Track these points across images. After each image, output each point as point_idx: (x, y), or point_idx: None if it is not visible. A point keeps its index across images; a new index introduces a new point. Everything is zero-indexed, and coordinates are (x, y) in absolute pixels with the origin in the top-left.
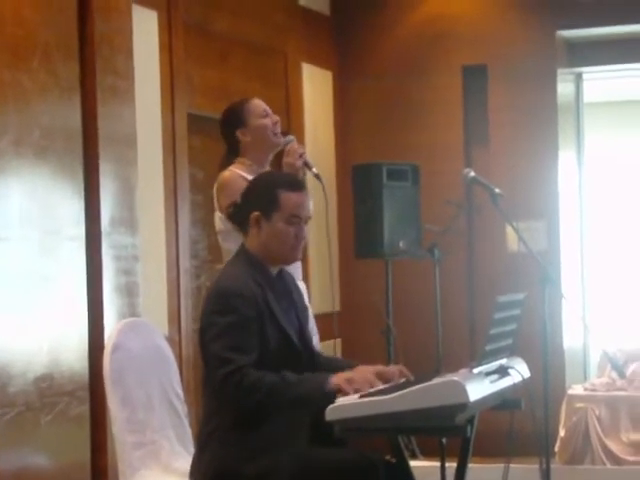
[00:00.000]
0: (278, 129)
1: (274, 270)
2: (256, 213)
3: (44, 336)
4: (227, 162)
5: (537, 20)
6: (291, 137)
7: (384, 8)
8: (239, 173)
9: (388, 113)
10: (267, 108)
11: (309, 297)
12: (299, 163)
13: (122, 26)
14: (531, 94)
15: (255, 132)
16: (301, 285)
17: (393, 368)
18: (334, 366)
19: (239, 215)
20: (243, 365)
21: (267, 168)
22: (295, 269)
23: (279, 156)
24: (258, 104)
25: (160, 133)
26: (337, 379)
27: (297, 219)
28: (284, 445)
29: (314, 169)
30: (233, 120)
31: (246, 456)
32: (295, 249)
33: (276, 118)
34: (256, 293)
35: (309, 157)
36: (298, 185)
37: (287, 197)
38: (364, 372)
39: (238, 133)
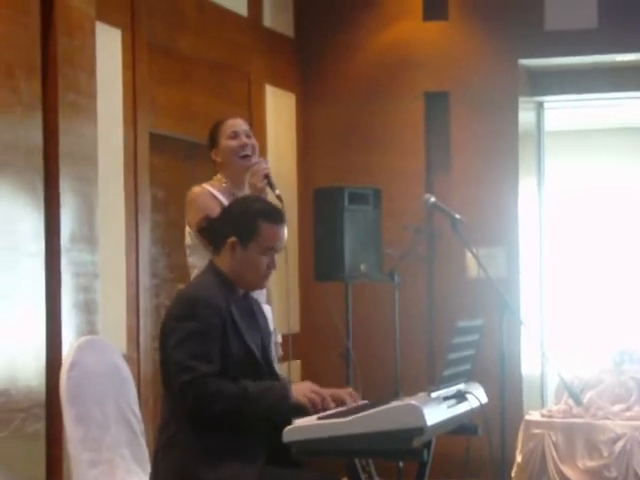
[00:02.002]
0: (245, 151)
1: (240, 292)
2: (233, 239)
3: (0, 352)
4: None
5: (499, 48)
6: (261, 160)
7: (348, 32)
8: (208, 190)
9: (351, 137)
10: (239, 129)
11: (274, 320)
12: (261, 185)
13: (85, 44)
14: (493, 122)
15: (222, 153)
16: (267, 308)
17: (343, 391)
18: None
19: (214, 234)
20: (204, 374)
21: (244, 188)
22: (259, 293)
23: None
24: (230, 125)
25: (122, 151)
26: (297, 393)
27: (272, 251)
28: (243, 456)
29: (277, 191)
30: (210, 140)
31: (205, 462)
32: (265, 278)
33: (244, 141)
34: (222, 305)
35: (273, 178)
36: (279, 218)
37: (267, 229)
38: (318, 390)
39: (212, 153)
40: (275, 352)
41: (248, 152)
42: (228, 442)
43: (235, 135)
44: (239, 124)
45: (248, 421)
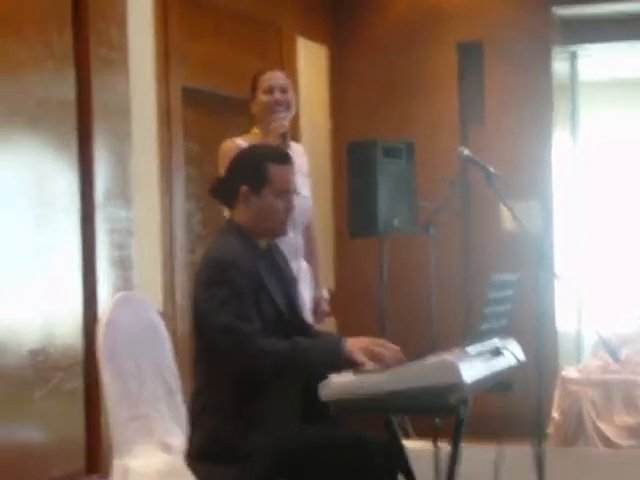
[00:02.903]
0: (278, 108)
1: (263, 243)
2: (244, 188)
3: (38, 309)
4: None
5: None
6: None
7: None
8: (238, 143)
9: (383, 89)
10: (275, 84)
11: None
12: (276, 143)
13: None
14: (526, 72)
15: (257, 106)
16: (303, 265)
17: (390, 352)
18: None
19: (225, 189)
20: (251, 331)
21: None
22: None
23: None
24: (267, 78)
25: (155, 106)
26: (353, 347)
27: (286, 193)
28: (279, 420)
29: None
30: (251, 90)
31: (240, 430)
32: (284, 222)
33: (277, 97)
34: (249, 266)
35: (289, 138)
36: (286, 158)
37: (276, 171)
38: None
39: (250, 104)
40: (322, 308)
41: (280, 109)
42: (263, 409)
43: (270, 89)
44: (276, 78)
45: (296, 378)
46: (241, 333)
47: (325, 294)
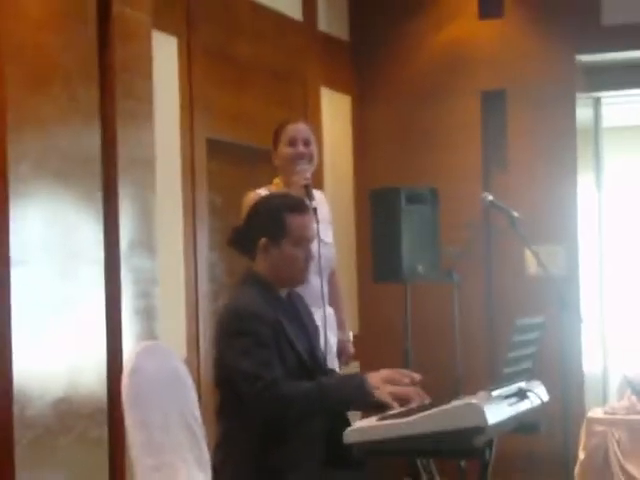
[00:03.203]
0: (301, 161)
1: (283, 292)
2: (263, 240)
3: (63, 358)
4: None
5: (555, 44)
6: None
7: (403, 33)
8: (261, 195)
9: (407, 137)
10: (298, 136)
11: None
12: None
13: (142, 51)
14: (550, 118)
15: (280, 159)
16: (329, 311)
17: (410, 389)
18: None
19: (243, 240)
20: (275, 378)
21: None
22: (311, 297)
23: None
24: (290, 130)
25: (179, 158)
26: (375, 384)
27: (305, 241)
28: (303, 467)
29: (313, 203)
30: (273, 142)
31: (266, 475)
32: (304, 271)
33: (300, 150)
34: (271, 316)
35: (311, 190)
36: (302, 207)
37: (294, 221)
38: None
39: (272, 155)
40: (348, 350)
41: (303, 162)
42: (287, 455)
43: (293, 142)
44: (299, 130)
45: (322, 420)
46: (265, 380)
47: (350, 337)
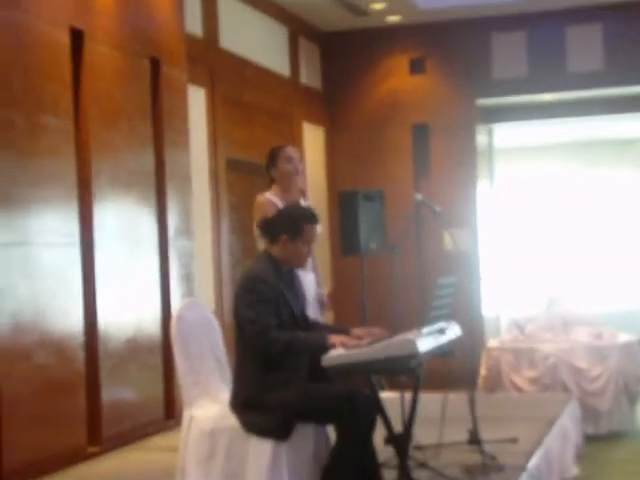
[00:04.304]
0: (297, 174)
1: (285, 268)
2: (284, 236)
3: (131, 311)
4: (268, 186)
5: (462, 92)
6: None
7: (359, 83)
8: (269, 198)
9: (362, 155)
10: (294, 156)
11: (322, 280)
12: (297, 198)
13: (180, 99)
14: (459, 143)
15: (280, 173)
16: (311, 275)
17: (352, 339)
18: (330, 330)
19: (270, 230)
20: (267, 326)
21: (290, 193)
22: (308, 264)
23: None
24: (288, 151)
25: (207, 172)
26: (333, 339)
27: (311, 242)
28: (292, 382)
29: (307, 202)
30: (270, 160)
31: (266, 389)
32: (305, 260)
33: (296, 165)
34: (274, 282)
35: (306, 192)
36: (316, 219)
37: (308, 228)
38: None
39: (271, 170)
40: (324, 301)
41: (297, 174)
42: (281, 374)
43: (290, 160)
44: (293, 152)
45: (297, 356)
46: (260, 326)
47: (325, 292)
